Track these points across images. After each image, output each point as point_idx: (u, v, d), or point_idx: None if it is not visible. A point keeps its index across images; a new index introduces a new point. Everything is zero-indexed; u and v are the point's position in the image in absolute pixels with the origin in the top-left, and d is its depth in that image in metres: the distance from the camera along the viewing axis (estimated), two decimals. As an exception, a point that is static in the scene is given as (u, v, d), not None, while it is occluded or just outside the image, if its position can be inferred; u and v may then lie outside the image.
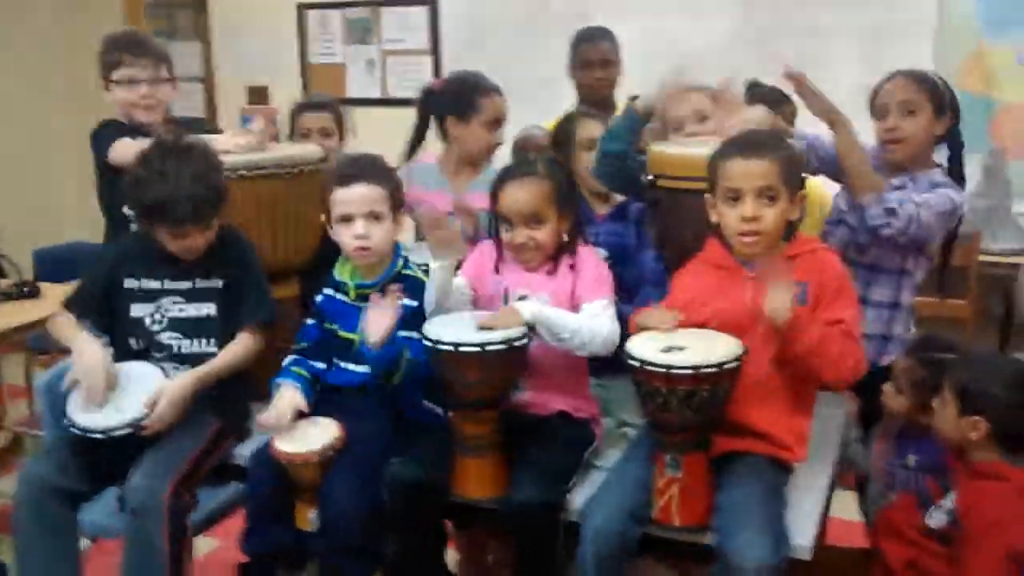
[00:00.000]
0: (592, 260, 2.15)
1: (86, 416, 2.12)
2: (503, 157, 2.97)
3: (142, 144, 2.55)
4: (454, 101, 2.81)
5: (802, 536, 1.81)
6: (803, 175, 1.98)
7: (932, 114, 2.37)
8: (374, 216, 2.18)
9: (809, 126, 2.49)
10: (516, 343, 1.92)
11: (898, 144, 2.39)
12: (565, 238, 2.13)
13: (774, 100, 2.73)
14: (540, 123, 3.22)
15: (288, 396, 2.17)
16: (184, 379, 2.17)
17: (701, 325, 1.93)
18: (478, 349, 1.88)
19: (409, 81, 4.91)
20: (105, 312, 2.29)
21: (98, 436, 2.10)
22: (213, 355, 2.26)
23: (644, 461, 1.93)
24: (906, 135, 2.37)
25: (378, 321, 2.06)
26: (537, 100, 3.89)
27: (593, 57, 3.32)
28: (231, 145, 2.42)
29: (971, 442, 1.96)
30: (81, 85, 5.65)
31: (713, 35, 4.48)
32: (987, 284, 3.77)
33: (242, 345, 2.27)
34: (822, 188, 2.74)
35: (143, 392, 2.14)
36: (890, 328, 2.44)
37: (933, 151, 2.43)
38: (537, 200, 2.07)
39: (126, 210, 2.51)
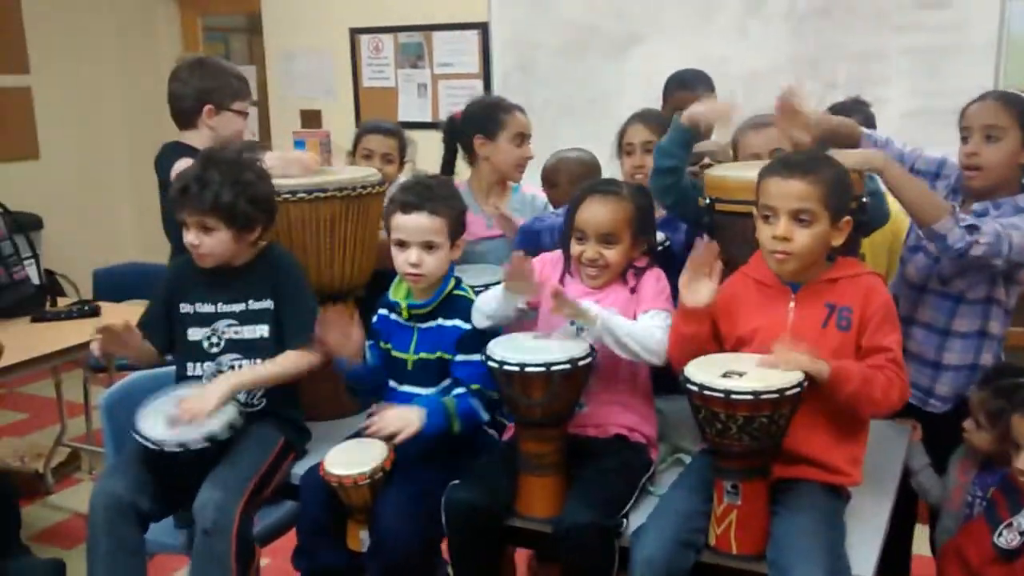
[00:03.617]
0: (654, 275, 2.16)
1: (162, 431, 2.11)
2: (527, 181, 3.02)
3: None
4: (480, 121, 2.90)
5: (862, 566, 1.77)
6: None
7: (1020, 140, 2.21)
8: (428, 246, 2.18)
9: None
10: (580, 362, 1.94)
11: (978, 171, 2.25)
12: (635, 265, 2.14)
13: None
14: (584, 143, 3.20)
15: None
16: (227, 379, 2.20)
17: (742, 340, 1.93)
18: (543, 369, 1.90)
19: (460, 105, 4.94)
20: (169, 333, 2.33)
21: (175, 450, 2.08)
22: None
23: (696, 488, 1.91)
24: (986, 162, 2.23)
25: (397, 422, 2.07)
26: (586, 121, 3.91)
27: (688, 105, 3.24)
28: (281, 163, 2.47)
29: None
30: (138, 109, 5.83)
31: (764, 58, 4.45)
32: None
33: (289, 359, 2.26)
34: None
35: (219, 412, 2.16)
36: (979, 358, 2.33)
37: (1019, 178, 2.26)
38: (615, 219, 2.09)
39: None
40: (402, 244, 2.20)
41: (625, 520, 1.92)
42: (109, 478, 2.20)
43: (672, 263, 2.28)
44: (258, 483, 2.17)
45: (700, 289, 1.92)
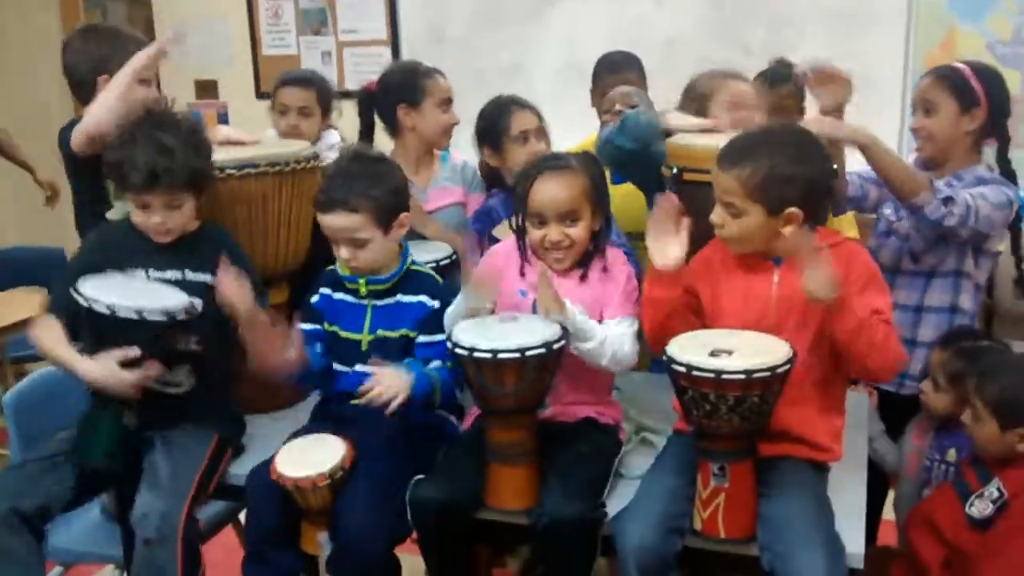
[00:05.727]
0: (625, 272, 2.05)
1: (112, 295, 1.90)
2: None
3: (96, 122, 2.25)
4: (401, 90, 2.74)
5: (852, 544, 1.72)
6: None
7: (956, 111, 2.30)
8: (356, 242, 2.03)
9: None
10: (555, 345, 1.82)
11: (924, 141, 2.38)
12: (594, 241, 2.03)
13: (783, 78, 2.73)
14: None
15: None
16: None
17: (723, 310, 1.88)
18: (517, 355, 1.77)
19: (367, 73, 4.73)
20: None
21: (132, 316, 1.87)
22: (196, 352, 2.06)
23: (677, 471, 1.85)
24: (928, 133, 2.36)
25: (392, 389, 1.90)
26: (498, 89, 3.79)
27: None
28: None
29: (1018, 452, 1.92)
30: (13, 82, 5.37)
31: (680, 22, 4.39)
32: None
33: None
34: None
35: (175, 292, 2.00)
36: None
37: (972, 147, 2.36)
38: (573, 195, 1.96)
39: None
40: (332, 240, 2.07)
41: (605, 509, 1.84)
42: None
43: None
44: (198, 485, 2.00)
45: (668, 249, 1.82)
